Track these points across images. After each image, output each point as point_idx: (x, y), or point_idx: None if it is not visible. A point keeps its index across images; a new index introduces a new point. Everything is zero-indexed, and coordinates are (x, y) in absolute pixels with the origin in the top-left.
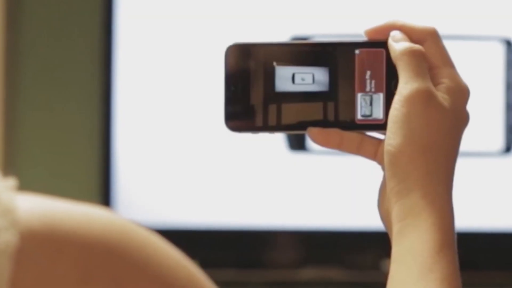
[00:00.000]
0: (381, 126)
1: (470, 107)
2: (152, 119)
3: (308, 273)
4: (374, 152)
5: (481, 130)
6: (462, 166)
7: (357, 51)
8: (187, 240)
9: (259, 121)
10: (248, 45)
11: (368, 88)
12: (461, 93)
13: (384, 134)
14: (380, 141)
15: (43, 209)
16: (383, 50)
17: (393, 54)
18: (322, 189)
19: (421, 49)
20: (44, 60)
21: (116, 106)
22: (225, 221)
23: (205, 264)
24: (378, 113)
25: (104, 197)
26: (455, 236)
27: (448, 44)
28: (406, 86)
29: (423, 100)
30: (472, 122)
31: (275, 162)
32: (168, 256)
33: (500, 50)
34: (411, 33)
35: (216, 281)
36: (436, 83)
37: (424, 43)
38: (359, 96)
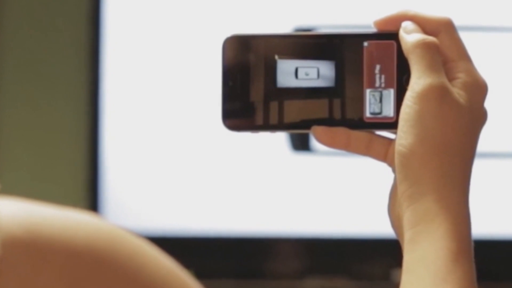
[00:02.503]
0: (392, 125)
1: (488, 104)
2: (143, 117)
3: (313, 284)
4: (384, 152)
5: (499, 129)
6: (479, 168)
7: (365, 44)
8: (181, 248)
9: (259, 119)
10: (248, 36)
11: (377, 84)
12: (478, 89)
13: (395, 133)
14: (391, 141)
15: (25, 215)
16: (394, 42)
17: (404, 47)
18: (327, 193)
19: (435, 41)
20: (27, 53)
21: (104, 103)
22: (222, 228)
23: (201, 274)
24: (388, 110)
25: (92, 201)
26: (472, 244)
27: (464, 36)
28: (418, 81)
29: (437, 96)
30: (490, 120)
31: (277, 163)
32: (160, 266)
33: None
34: (424, 24)
35: None
36: (451, 78)
37: (438, 35)
38: (367, 92)
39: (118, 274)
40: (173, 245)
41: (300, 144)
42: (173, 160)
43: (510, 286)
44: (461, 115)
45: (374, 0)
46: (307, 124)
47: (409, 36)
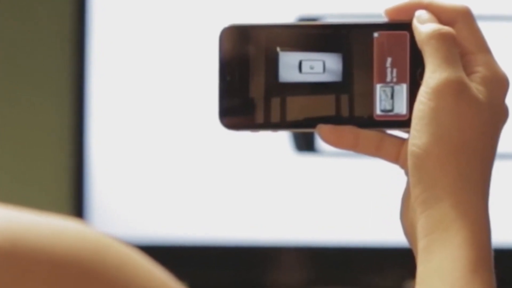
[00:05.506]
0: (404, 123)
1: (510, 100)
2: (132, 116)
3: None
4: (395, 153)
5: None
6: (499, 170)
7: (375, 34)
8: (175, 257)
9: (259, 117)
10: (247, 27)
11: (388, 78)
12: (498, 83)
13: (408, 132)
14: (403, 141)
15: (5, 222)
16: (407, 33)
17: (418, 38)
18: (333, 197)
19: (452, 31)
20: (6, 46)
21: (90, 101)
22: (219, 235)
23: (196, 286)
24: (400, 107)
25: (77, 207)
26: (492, 253)
27: (483, 26)
28: (433, 75)
29: (454, 92)
30: None
31: (279, 165)
32: (151, 277)
33: None
34: (439, 13)
35: None
36: (469, 72)
37: (455, 25)
38: (378, 87)
39: (106, 287)
40: (166, 254)
41: (304, 144)
42: (166, 161)
43: None
44: (480, 112)
45: None
46: (311, 122)
47: (424, 26)
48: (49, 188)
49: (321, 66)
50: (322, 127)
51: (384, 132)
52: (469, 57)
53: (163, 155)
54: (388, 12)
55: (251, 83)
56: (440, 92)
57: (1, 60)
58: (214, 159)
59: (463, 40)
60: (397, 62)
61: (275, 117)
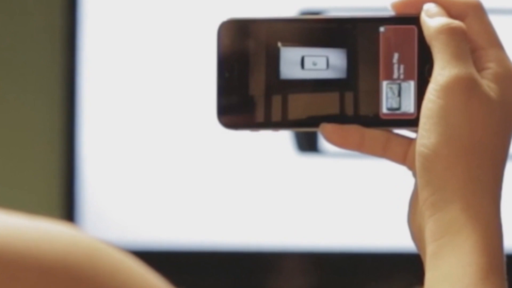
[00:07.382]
0: (412, 122)
1: None
2: (126, 114)
3: None
4: (403, 154)
5: None
6: (511, 172)
7: (382, 29)
8: (171, 263)
9: (259, 115)
10: (247, 21)
11: (395, 75)
12: (511, 80)
13: (416, 132)
14: (411, 141)
15: None
16: (415, 28)
17: (427, 32)
18: (337, 200)
19: (462, 26)
20: None
21: (82, 98)
22: (218, 240)
23: None
24: (408, 105)
25: (68, 210)
26: (504, 258)
27: (494, 20)
28: (443, 72)
29: (465, 89)
30: None
31: (280, 166)
32: (147, 284)
33: None
34: (449, 6)
35: None
36: (480, 69)
37: (466, 19)
38: (384, 84)
39: None
40: (162, 260)
41: (307, 144)
42: (161, 162)
43: None
44: (492, 111)
45: None
46: (314, 121)
47: (432, 20)
48: (39, 191)
49: (324, 62)
50: (325, 126)
51: (391, 132)
52: (480, 53)
53: (158, 156)
54: (395, 6)
55: (251, 80)
56: (449, 89)
57: None
58: (212, 160)
59: (474, 35)
60: (405, 58)
61: (276, 115)
